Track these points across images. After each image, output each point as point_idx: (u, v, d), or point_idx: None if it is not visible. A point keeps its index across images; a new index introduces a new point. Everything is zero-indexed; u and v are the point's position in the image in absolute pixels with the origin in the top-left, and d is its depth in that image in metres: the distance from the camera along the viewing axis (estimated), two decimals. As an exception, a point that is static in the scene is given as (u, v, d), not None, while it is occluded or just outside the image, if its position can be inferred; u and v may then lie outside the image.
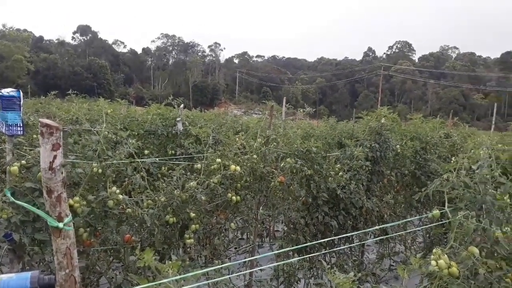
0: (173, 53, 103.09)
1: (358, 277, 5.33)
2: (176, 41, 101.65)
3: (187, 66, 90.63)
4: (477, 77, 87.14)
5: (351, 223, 5.13)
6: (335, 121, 9.94)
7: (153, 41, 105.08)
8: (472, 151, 2.22)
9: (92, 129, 3.34)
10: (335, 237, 4.55)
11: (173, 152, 5.33)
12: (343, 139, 5.96)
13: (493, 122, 11.00)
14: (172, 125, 5.52)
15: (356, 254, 5.66)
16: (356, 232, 4.69)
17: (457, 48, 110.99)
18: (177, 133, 5.47)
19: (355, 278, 1.56)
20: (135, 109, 6.86)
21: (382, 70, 74.93)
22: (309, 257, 4.76)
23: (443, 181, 2.17)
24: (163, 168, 4.79)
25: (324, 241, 4.39)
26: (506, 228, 2.49)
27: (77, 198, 2.70)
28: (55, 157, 2.00)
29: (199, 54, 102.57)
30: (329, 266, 5.16)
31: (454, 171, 2.21)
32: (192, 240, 3.47)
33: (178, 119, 5.44)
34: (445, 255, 1.98)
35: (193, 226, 3.44)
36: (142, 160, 3.81)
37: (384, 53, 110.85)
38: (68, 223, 2.08)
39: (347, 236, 4.95)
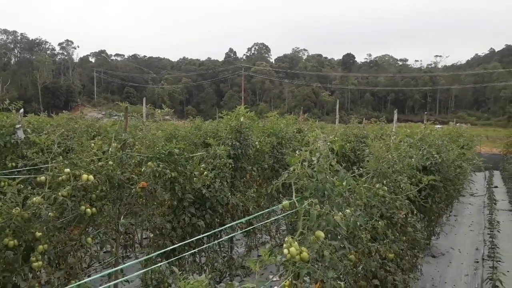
0: (16, 51, 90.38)
1: (228, 273, 5.41)
2: (19, 37, 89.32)
3: (34, 66, 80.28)
4: (324, 76, 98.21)
5: (218, 220, 5.21)
6: (201, 121, 9.98)
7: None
8: (313, 144, 2.46)
9: None
10: (202, 235, 4.56)
11: (13, 164, 4.65)
12: (208, 138, 6.02)
13: (337, 116, 12.53)
14: (11, 133, 4.80)
15: (225, 251, 5.79)
16: (222, 228, 4.78)
17: (306, 50, 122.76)
18: (17, 142, 4.78)
19: (207, 280, 1.55)
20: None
21: (243, 71, 78.47)
22: (178, 260, 4.67)
23: (290, 173, 2.35)
24: (2, 183, 4.15)
25: (191, 242, 4.35)
26: (346, 210, 2.82)
27: None
28: None
29: (48, 52, 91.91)
30: (199, 266, 5.17)
31: (299, 163, 2.41)
32: (40, 263, 3.08)
33: (17, 126, 4.75)
34: (296, 242, 2.13)
35: (41, 246, 3.05)
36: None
37: (244, 54, 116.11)
38: None
39: (215, 233, 5.01)
